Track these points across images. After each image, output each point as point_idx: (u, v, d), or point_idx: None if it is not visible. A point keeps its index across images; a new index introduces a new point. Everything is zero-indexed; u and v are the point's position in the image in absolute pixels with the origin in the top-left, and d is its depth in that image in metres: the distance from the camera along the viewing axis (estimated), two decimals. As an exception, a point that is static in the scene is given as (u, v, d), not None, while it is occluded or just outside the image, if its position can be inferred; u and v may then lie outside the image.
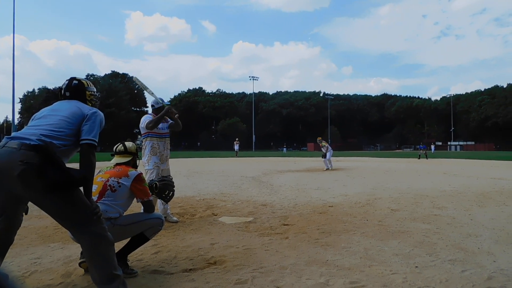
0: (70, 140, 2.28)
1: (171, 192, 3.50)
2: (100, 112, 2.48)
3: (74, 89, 2.56)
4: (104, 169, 3.05)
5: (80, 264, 2.85)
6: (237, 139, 35.95)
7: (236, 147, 34.10)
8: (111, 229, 2.66)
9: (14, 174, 2.00)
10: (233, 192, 7.70)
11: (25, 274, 2.81)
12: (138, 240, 2.93)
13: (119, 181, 2.87)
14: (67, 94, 2.54)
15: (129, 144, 3.21)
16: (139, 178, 2.95)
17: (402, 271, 2.80)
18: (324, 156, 15.24)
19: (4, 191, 2.12)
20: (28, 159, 2.02)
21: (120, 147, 3.18)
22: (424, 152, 27.70)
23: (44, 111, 2.45)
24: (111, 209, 2.78)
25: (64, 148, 2.25)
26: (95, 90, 2.67)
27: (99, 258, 2.24)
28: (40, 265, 3.04)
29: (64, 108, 2.42)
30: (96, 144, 2.33)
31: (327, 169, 14.78)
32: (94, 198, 2.76)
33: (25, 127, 2.35)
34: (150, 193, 3.05)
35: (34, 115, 2.46)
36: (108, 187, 2.83)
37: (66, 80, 2.61)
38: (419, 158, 26.43)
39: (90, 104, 2.57)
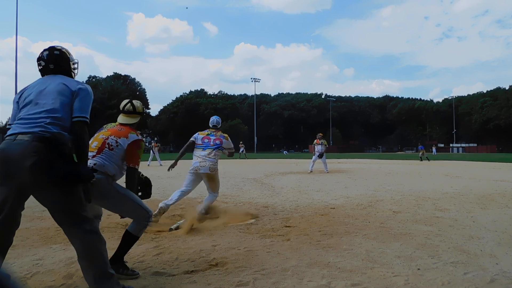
0: (69, 123, 2.24)
1: (149, 191, 3.19)
2: (88, 86, 2.38)
3: (59, 60, 2.37)
4: (108, 126, 2.98)
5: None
6: (241, 142, 36.14)
7: (242, 149, 34.46)
8: (109, 187, 2.69)
9: (26, 166, 2.02)
10: (235, 194, 7.70)
11: (27, 275, 2.81)
12: (128, 239, 2.84)
13: (118, 140, 2.82)
14: (51, 66, 2.35)
15: (137, 103, 3.08)
16: (137, 142, 2.86)
17: (404, 273, 2.79)
18: (321, 156, 14.33)
19: (12, 185, 2.09)
20: (40, 151, 2.05)
21: (128, 106, 3.02)
22: (422, 152, 27.32)
23: (31, 94, 2.27)
24: (109, 165, 2.74)
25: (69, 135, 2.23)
26: (76, 59, 2.52)
27: (94, 256, 2.24)
28: (42, 266, 3.04)
29: (52, 89, 2.26)
30: (88, 121, 2.27)
31: (311, 171, 13.92)
32: (92, 153, 2.74)
33: (20, 114, 2.21)
34: (138, 163, 2.89)
35: (20, 98, 2.28)
36: (107, 145, 2.79)
37: (45, 50, 2.37)
38: (421, 160, 26.16)
39: (74, 76, 2.45)
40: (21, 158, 2.04)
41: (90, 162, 2.67)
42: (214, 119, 5.49)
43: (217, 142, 5.20)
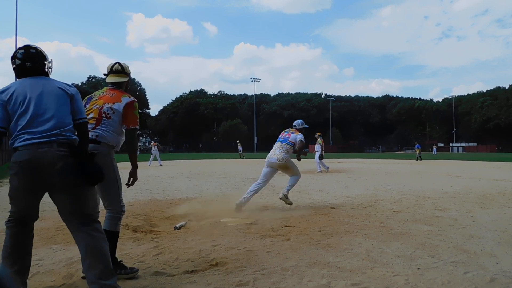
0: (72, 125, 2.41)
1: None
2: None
3: (35, 58, 2.38)
4: (97, 93, 2.93)
5: (84, 277, 2.70)
6: (238, 141, 35.95)
7: (240, 149, 34.25)
8: (110, 161, 2.76)
9: (55, 171, 2.20)
10: (235, 194, 7.69)
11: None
12: (109, 238, 2.66)
13: (112, 107, 2.80)
14: (28, 64, 2.35)
15: (125, 64, 3.07)
16: (131, 104, 2.86)
17: (404, 273, 2.79)
18: (321, 157, 14.43)
19: (39, 191, 2.29)
20: (66, 156, 2.25)
21: (117, 66, 3.01)
22: (419, 152, 27.00)
23: (27, 98, 2.26)
24: (110, 135, 2.77)
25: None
26: (50, 59, 2.54)
27: (101, 252, 2.31)
28: (41, 266, 3.04)
29: (52, 94, 2.33)
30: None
31: (320, 171, 14.00)
32: (92, 125, 2.74)
33: (26, 122, 2.23)
34: (138, 123, 2.89)
35: (9, 101, 2.25)
36: (104, 114, 2.79)
37: (20, 49, 2.38)
38: (417, 160, 25.75)
39: (49, 75, 2.49)
40: (50, 164, 2.20)
41: (91, 135, 2.69)
42: (296, 121, 6.39)
43: (286, 137, 6.00)
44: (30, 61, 2.36)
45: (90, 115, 2.80)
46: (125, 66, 3.05)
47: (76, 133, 2.38)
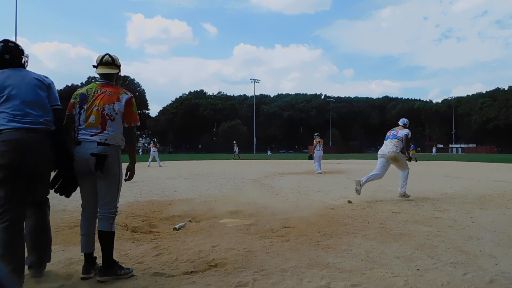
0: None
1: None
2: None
3: (15, 51, 2.62)
4: (90, 92, 2.82)
5: (83, 278, 2.75)
6: (234, 142, 35.29)
7: (235, 149, 33.65)
8: (118, 162, 2.84)
9: (40, 156, 2.52)
10: (234, 195, 7.70)
11: (26, 276, 2.80)
12: (106, 239, 2.77)
13: (114, 107, 2.77)
14: (7, 57, 2.58)
15: (115, 56, 2.99)
16: (129, 101, 2.84)
17: (404, 274, 2.79)
18: (310, 157, 14.17)
19: (23, 173, 2.45)
20: (47, 143, 2.60)
21: (107, 57, 2.92)
22: (413, 152, 26.22)
23: (10, 87, 2.51)
24: (117, 136, 2.80)
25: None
26: (27, 54, 2.74)
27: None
28: (41, 267, 3.03)
29: (31, 84, 2.59)
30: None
31: (320, 172, 13.69)
32: (97, 129, 2.73)
33: (10, 107, 2.46)
34: (138, 120, 2.92)
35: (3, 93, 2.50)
36: (107, 117, 2.76)
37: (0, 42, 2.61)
38: (414, 161, 25.48)
39: (25, 68, 2.72)
40: (36, 148, 2.47)
41: (100, 138, 2.72)
42: (401, 119, 7.50)
43: (395, 133, 7.04)
44: (8, 54, 2.58)
45: (92, 118, 2.75)
46: (115, 58, 2.97)
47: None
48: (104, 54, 2.96)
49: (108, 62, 2.92)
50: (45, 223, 2.76)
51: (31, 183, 2.49)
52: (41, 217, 2.73)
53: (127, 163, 2.96)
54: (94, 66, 2.95)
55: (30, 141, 2.44)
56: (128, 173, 2.96)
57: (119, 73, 3.03)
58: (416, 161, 25.63)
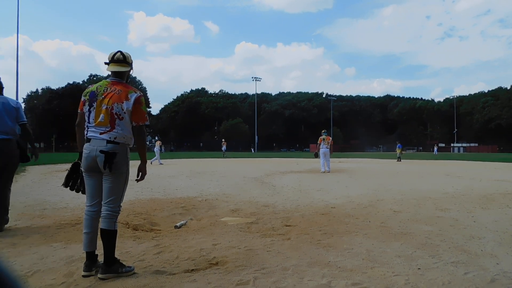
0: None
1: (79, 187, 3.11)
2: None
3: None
4: (100, 89, 2.80)
5: (85, 276, 2.76)
6: (223, 140, 35.47)
7: (223, 148, 33.82)
8: (127, 161, 2.85)
9: (10, 155, 4.13)
10: (235, 193, 7.70)
11: (28, 274, 2.81)
12: (109, 237, 2.79)
13: (122, 106, 2.75)
14: None
15: (127, 53, 2.94)
16: (138, 100, 2.81)
17: (405, 273, 2.79)
18: (316, 155, 13.99)
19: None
20: (15, 147, 4.23)
21: (118, 55, 2.88)
22: (400, 151, 25.66)
23: None
24: (126, 135, 2.80)
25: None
26: None
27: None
28: (42, 264, 3.04)
29: (7, 108, 4.09)
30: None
31: (323, 171, 13.52)
32: (106, 128, 2.73)
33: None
34: (147, 118, 2.90)
35: None
36: (116, 116, 2.75)
37: None
38: (398, 160, 24.58)
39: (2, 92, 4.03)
40: (8, 150, 4.10)
41: (109, 137, 2.73)
42: None
43: None
44: None
45: (101, 117, 2.74)
46: (127, 55, 2.92)
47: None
48: (116, 51, 2.92)
49: (120, 59, 2.88)
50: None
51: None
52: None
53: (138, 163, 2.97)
54: (106, 63, 2.91)
55: (5, 144, 4.07)
56: (140, 173, 2.95)
57: (131, 70, 3.00)
58: (400, 160, 24.98)
